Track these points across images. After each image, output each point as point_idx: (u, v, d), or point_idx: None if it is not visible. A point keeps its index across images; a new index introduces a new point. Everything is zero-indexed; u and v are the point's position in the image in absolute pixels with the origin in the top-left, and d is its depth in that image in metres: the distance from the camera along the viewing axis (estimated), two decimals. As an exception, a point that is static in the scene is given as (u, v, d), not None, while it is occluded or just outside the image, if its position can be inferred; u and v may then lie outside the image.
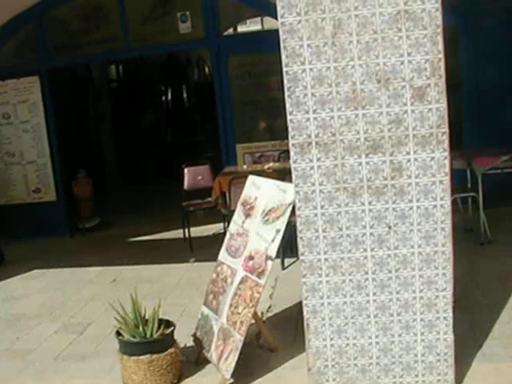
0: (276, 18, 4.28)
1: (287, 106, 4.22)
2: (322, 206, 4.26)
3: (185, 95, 18.08)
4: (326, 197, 4.25)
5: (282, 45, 4.25)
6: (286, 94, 4.22)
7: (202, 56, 20.31)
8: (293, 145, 4.31)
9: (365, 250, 4.26)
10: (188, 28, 9.67)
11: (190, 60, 18.85)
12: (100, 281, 7.74)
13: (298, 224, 4.30)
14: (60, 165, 10.18)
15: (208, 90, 19.70)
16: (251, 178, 5.57)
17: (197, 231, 9.05)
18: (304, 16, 4.21)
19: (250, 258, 4.91)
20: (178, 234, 9.45)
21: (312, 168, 4.29)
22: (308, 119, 4.27)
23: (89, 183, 10.57)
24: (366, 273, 4.28)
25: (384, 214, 4.18)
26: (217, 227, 9.49)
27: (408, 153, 4.11)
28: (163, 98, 17.32)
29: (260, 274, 4.70)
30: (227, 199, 8.13)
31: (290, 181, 4.40)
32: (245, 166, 8.69)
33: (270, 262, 4.69)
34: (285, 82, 4.26)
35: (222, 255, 5.33)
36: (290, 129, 4.27)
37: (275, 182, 5.21)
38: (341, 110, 4.16)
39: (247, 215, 5.29)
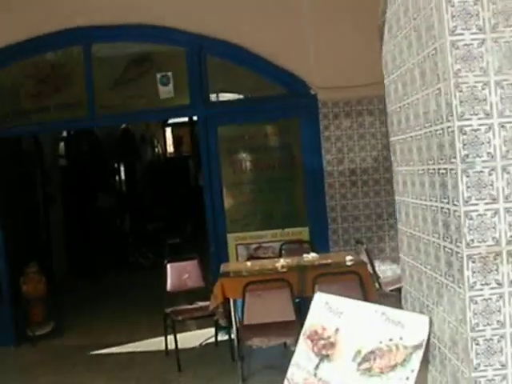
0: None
1: (460, 189, 2.36)
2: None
3: (141, 175, 16.05)
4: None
5: (451, 82, 2.39)
6: (460, 167, 2.35)
7: (154, 133, 18.54)
8: (469, 257, 2.40)
9: None
10: (170, 92, 7.81)
11: (144, 136, 16.95)
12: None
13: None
14: (4, 257, 7.90)
15: (164, 169, 18.05)
16: (321, 297, 3.64)
17: (180, 339, 6.86)
18: (491, 33, 2.38)
19: None
20: (152, 344, 7.45)
21: (500, 298, 2.39)
22: (496, 212, 2.40)
23: (41, 280, 8.32)
24: None
25: None
26: (204, 334, 7.61)
27: None
28: (117, 178, 15.24)
29: None
30: (232, 309, 6.13)
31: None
32: (248, 263, 6.70)
33: None
34: (457, 145, 2.36)
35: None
36: (465, 229, 2.38)
37: (373, 307, 3.29)
38: None
39: (323, 357, 3.33)
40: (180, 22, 7.65)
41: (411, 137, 3.13)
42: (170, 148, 20.15)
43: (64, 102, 7.85)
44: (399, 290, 7.40)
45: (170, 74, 7.80)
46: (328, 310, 3.53)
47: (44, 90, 7.80)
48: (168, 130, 20.24)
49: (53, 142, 11.58)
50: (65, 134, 12.26)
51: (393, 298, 6.73)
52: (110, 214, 13.57)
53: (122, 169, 15.57)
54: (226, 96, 8.02)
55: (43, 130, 8.60)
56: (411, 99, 3.06)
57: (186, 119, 20.12)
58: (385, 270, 7.68)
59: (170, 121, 20.13)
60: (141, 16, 7.63)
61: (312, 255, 6.84)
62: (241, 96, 8.02)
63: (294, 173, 7.91)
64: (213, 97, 7.85)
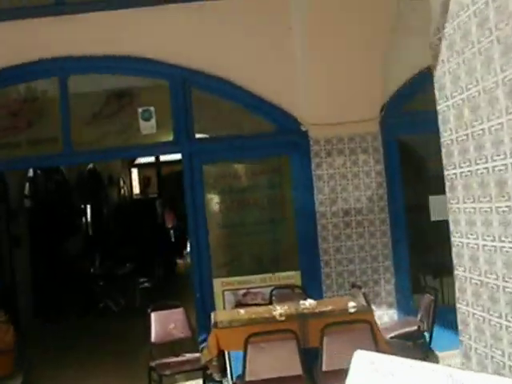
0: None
1: None
2: None
3: (108, 217, 15.35)
4: None
5: None
6: None
7: (121, 174, 17.89)
8: None
9: None
10: (152, 128, 7.27)
11: (111, 177, 16.29)
12: None
13: None
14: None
15: (131, 211, 17.37)
16: (363, 356, 3.08)
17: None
18: None
19: None
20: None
21: None
22: None
23: (9, 330, 7.56)
24: None
25: None
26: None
27: None
28: (85, 219, 14.50)
29: None
30: (228, 362, 5.52)
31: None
32: (242, 311, 6.09)
33: None
34: None
35: None
36: None
37: (432, 367, 2.76)
38: None
39: None
40: (163, 54, 7.17)
41: (486, 168, 2.64)
42: (137, 189, 19.53)
43: (37, 138, 7.24)
44: (399, 337, 6.97)
45: (152, 108, 7.27)
46: (374, 371, 2.98)
47: (16, 123, 7.17)
48: (134, 171, 19.65)
49: (19, 181, 10.85)
50: (31, 173, 11.53)
51: (398, 346, 6.22)
52: (79, 256, 12.82)
53: (89, 210, 14.82)
54: (212, 132, 7.48)
55: (14, 166, 7.91)
56: (488, 125, 2.58)
57: (152, 159, 19.71)
58: (381, 315, 7.18)
59: (137, 161, 19.64)
60: (121, 47, 7.13)
61: (310, 302, 6.27)
62: (228, 132, 7.50)
63: (285, 213, 7.43)
64: (198, 133, 7.30)
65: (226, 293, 7.27)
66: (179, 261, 17.61)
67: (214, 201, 7.34)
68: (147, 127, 7.25)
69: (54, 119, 7.21)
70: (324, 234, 7.28)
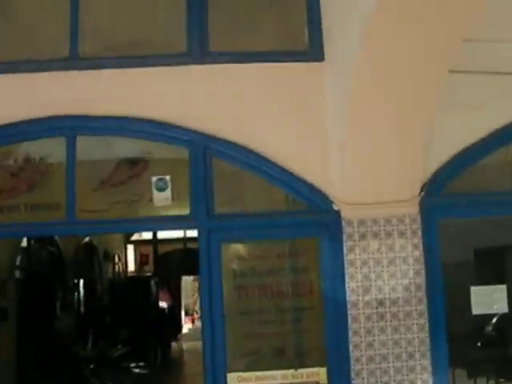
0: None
1: None
2: None
3: (102, 294, 14.25)
4: None
5: None
6: None
7: (117, 250, 16.91)
8: None
9: None
10: (167, 200, 6.40)
11: (107, 252, 15.30)
12: None
13: None
14: None
15: (126, 289, 16.26)
16: None
17: None
18: None
19: None
20: None
21: None
22: None
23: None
24: None
25: None
26: None
27: None
28: (78, 295, 13.41)
29: None
30: None
31: None
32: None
33: None
34: None
35: None
36: None
37: None
38: None
39: None
40: (184, 118, 6.39)
41: None
42: (132, 266, 18.50)
43: (38, 202, 6.33)
44: None
45: (168, 177, 6.41)
46: None
47: (15, 185, 6.28)
48: (130, 247, 18.67)
49: (11, 250, 9.84)
50: (24, 242, 10.57)
51: None
52: (69, 335, 11.68)
53: (82, 286, 13.75)
54: (233, 208, 6.59)
55: (9, 233, 6.93)
56: None
57: (149, 236, 18.79)
58: (418, 423, 6.13)
59: (134, 237, 18.69)
60: (138, 108, 6.37)
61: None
62: (251, 209, 6.63)
63: (311, 302, 6.45)
64: (217, 208, 6.42)
65: (242, 390, 6.23)
66: (174, 343, 16.40)
67: (232, 284, 6.37)
68: (161, 198, 6.37)
69: (58, 183, 6.34)
70: (355, 326, 6.30)
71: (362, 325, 6.32)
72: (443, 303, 6.52)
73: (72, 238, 12.89)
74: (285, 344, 6.38)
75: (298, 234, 6.50)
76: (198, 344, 19.00)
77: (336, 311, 6.31)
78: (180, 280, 22.31)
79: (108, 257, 15.41)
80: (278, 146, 6.44)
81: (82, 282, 13.88)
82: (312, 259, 6.49)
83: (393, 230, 6.48)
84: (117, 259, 16.68)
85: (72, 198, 6.28)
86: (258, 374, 6.24)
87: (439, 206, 6.57)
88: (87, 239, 13.91)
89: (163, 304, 17.27)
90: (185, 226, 6.56)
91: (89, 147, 6.49)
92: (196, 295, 25.51)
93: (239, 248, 6.49)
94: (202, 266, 6.32)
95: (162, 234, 18.58)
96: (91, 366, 10.75)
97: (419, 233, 6.51)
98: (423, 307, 6.42)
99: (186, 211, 6.40)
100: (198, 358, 16.53)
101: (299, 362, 6.34)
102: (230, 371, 6.21)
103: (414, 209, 6.51)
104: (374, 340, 6.32)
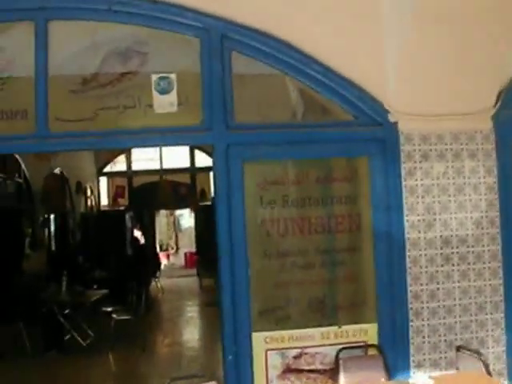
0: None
1: None
2: None
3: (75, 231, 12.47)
4: None
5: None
6: None
7: (89, 182, 15.01)
8: None
9: None
10: (171, 105, 4.59)
11: (80, 184, 13.42)
12: None
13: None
14: None
15: (101, 225, 14.46)
16: None
17: None
18: None
19: None
20: None
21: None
22: None
23: None
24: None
25: None
26: None
27: None
28: (48, 233, 11.57)
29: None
30: None
31: None
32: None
33: None
34: None
35: None
36: None
37: None
38: None
39: None
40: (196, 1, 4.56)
41: None
42: (105, 200, 16.63)
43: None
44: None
45: (173, 76, 4.60)
46: None
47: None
48: (103, 180, 16.76)
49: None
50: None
51: None
52: (40, 276, 9.93)
53: (53, 221, 11.91)
54: (259, 117, 4.82)
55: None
56: None
57: (124, 167, 16.86)
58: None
59: (107, 169, 16.77)
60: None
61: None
62: (282, 119, 4.89)
63: (359, 240, 4.82)
64: (239, 117, 4.65)
65: (270, 353, 4.60)
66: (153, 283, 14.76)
67: (258, 217, 4.67)
68: (164, 103, 4.58)
69: (25, 84, 4.49)
70: (415, 270, 4.72)
71: (424, 269, 4.74)
72: (520, 242, 4.99)
73: (41, 168, 11.01)
74: (325, 294, 4.74)
75: (343, 153, 4.79)
76: (176, 281, 17.60)
77: (391, 252, 4.72)
78: (154, 214, 20.59)
79: (80, 189, 13.53)
80: (319, 40, 4.68)
81: (52, 217, 12.06)
82: (361, 185, 4.81)
83: (462, 149, 4.85)
84: (89, 192, 14.82)
85: (43, 102, 4.44)
86: (291, 332, 4.63)
87: (517, 121, 4.95)
88: (57, 170, 12.04)
89: (140, 240, 15.53)
90: (195, 139, 4.71)
91: (65, 35, 4.61)
92: (172, 229, 23.86)
93: (267, 169, 4.75)
94: (219, 192, 4.59)
95: (137, 165, 16.73)
96: (66, 312, 9.07)
97: (493, 154, 4.90)
98: (496, 247, 4.87)
99: (196, 120, 4.62)
100: (178, 296, 15.14)
101: (344, 317, 4.74)
102: (256, 330, 4.58)
103: (487, 124, 4.88)
104: (438, 288, 4.76)
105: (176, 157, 16.19)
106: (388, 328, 4.72)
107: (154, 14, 4.56)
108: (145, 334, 9.33)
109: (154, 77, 4.59)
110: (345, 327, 4.69)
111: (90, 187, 15.16)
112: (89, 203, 14.86)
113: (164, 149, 15.39)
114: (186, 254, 21.40)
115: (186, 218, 22.83)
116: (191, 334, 10.95)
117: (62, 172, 12.07)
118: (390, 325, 4.72)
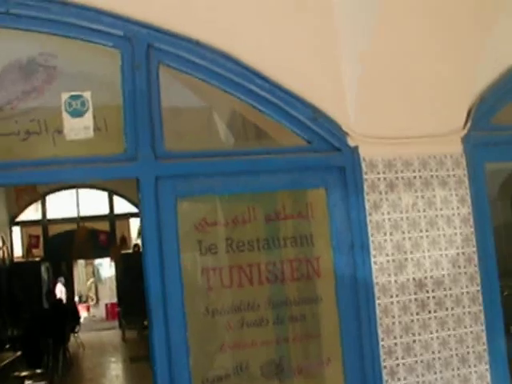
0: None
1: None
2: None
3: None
4: None
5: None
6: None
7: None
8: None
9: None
10: (87, 130, 3.62)
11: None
12: None
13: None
14: None
15: (13, 278, 12.95)
16: None
17: None
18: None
19: None
20: None
21: None
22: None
23: None
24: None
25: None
26: None
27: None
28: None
29: None
30: None
31: None
32: None
33: None
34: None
35: None
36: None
37: None
38: None
39: None
40: (115, 2, 3.64)
41: None
42: (19, 251, 15.10)
43: None
44: None
45: (87, 94, 3.62)
46: None
47: None
48: (16, 230, 15.26)
49: None
50: None
51: None
52: None
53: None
54: (193, 143, 3.90)
55: None
56: None
57: (38, 217, 15.46)
58: None
59: (20, 218, 15.31)
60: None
61: None
62: (220, 145, 4.00)
63: (319, 288, 3.91)
64: (169, 145, 3.71)
65: None
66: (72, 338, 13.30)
67: (197, 266, 3.71)
68: (77, 128, 3.58)
69: None
70: (387, 321, 3.86)
71: (397, 319, 3.90)
72: (497, 280, 4.24)
73: None
74: (281, 356, 3.79)
75: (295, 185, 3.91)
76: (96, 335, 16.15)
77: (357, 301, 3.85)
78: (71, 265, 19.12)
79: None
80: (264, 52, 3.85)
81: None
82: (318, 222, 3.94)
83: (431, 176, 4.09)
84: (0, 243, 13.34)
85: None
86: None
87: (487, 143, 4.27)
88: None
89: (57, 292, 14.11)
90: (117, 172, 3.70)
91: None
92: (91, 280, 22.30)
93: (206, 207, 3.82)
94: (148, 236, 3.60)
95: (52, 213, 15.37)
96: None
97: (466, 181, 4.17)
98: (476, 288, 4.10)
99: (118, 149, 3.65)
100: (99, 352, 13.74)
101: (305, 381, 3.81)
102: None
103: (457, 147, 4.16)
104: (415, 341, 3.91)
105: (94, 203, 15.12)
106: (358, 393, 3.82)
107: (65, 20, 3.57)
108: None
109: (65, 96, 3.60)
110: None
111: (2, 237, 13.69)
112: (0, 255, 13.36)
113: (81, 194, 14.26)
114: (106, 305, 19.95)
115: (106, 267, 21.39)
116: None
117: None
118: (361, 388, 3.82)
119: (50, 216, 15.23)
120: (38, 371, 8.13)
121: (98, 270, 22.39)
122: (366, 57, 3.77)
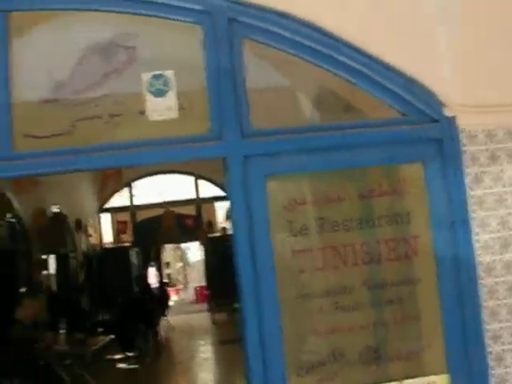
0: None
1: None
2: None
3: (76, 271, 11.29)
4: None
5: None
6: None
7: (87, 218, 13.85)
8: None
9: None
10: (169, 110, 3.46)
11: (79, 223, 12.28)
12: None
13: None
14: None
15: (104, 264, 13.27)
16: None
17: None
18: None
19: None
20: None
21: None
22: None
23: None
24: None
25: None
26: None
27: None
28: (47, 276, 10.40)
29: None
30: None
31: None
32: None
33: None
34: None
35: None
36: None
37: None
38: None
39: None
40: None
41: None
42: (108, 237, 15.44)
43: None
44: None
45: (169, 73, 3.48)
46: None
47: None
48: (105, 216, 15.60)
49: None
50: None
51: None
52: (37, 325, 8.70)
53: (52, 263, 10.73)
54: (282, 121, 3.69)
55: None
56: None
57: (125, 203, 15.71)
58: None
59: (109, 205, 15.63)
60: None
61: None
62: (310, 121, 3.77)
63: (418, 269, 3.63)
64: (256, 122, 3.51)
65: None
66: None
67: (288, 248, 3.51)
68: (160, 108, 3.45)
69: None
70: (491, 304, 3.54)
71: (503, 301, 3.57)
72: None
73: (36, 207, 9.92)
74: (379, 342, 3.55)
75: (389, 159, 3.64)
76: (186, 318, 16.33)
77: (460, 282, 3.54)
78: (159, 249, 19.44)
79: (80, 227, 12.38)
80: (356, 22, 3.58)
81: (51, 257, 10.90)
82: (415, 199, 3.65)
83: (539, 146, 3.70)
84: (90, 229, 13.66)
85: (6, 113, 3.33)
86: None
87: None
88: (56, 208, 10.94)
89: (147, 277, 14.35)
90: (204, 152, 3.56)
91: (31, 30, 3.53)
92: (180, 264, 22.64)
93: (296, 186, 3.61)
94: (237, 219, 3.43)
95: (139, 200, 15.59)
96: (67, 362, 7.85)
97: None
98: None
99: (203, 128, 3.49)
100: (189, 335, 13.86)
101: (405, 368, 3.55)
102: (292, 388, 3.40)
103: None
104: (524, 325, 3.58)
105: (179, 188, 15.20)
106: (463, 379, 3.51)
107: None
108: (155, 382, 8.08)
109: (146, 76, 3.47)
110: (407, 382, 3.50)
111: (92, 224, 14.02)
112: (90, 241, 13.70)
113: (166, 180, 14.38)
114: (195, 288, 20.16)
115: (194, 251, 21.61)
116: (207, 379, 9.62)
117: (59, 210, 10.95)
118: (466, 375, 3.52)
119: (136, 202, 15.48)
120: (130, 354, 8.22)
121: (185, 254, 22.66)
122: (465, 19, 3.43)
